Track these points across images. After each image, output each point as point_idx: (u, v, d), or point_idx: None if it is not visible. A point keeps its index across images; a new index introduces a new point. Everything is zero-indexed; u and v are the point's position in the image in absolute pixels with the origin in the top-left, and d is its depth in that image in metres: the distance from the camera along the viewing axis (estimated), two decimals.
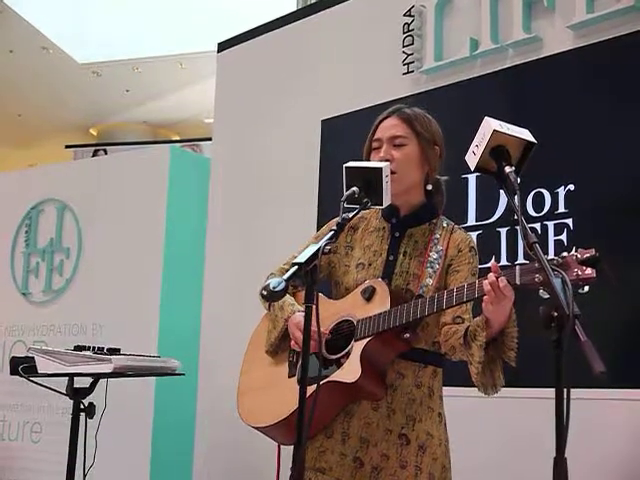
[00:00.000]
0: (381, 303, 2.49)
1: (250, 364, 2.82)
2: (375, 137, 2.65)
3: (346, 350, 2.49)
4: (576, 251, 2.02)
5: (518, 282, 2.13)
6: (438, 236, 2.61)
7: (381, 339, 2.45)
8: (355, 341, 2.49)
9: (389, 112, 2.69)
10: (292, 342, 2.61)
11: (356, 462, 2.49)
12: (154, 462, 5.42)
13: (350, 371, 2.43)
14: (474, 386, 2.42)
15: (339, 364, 2.48)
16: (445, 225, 2.65)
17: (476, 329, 2.33)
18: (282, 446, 2.72)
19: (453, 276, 2.54)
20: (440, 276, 2.55)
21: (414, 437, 2.50)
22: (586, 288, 1.96)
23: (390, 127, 2.64)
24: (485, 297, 2.21)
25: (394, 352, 2.50)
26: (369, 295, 2.53)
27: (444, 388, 2.66)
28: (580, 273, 1.97)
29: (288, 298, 2.65)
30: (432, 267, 2.55)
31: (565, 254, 2.03)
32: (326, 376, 2.44)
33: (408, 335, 2.47)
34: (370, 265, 2.62)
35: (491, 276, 2.19)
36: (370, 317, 2.47)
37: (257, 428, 2.64)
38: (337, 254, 2.71)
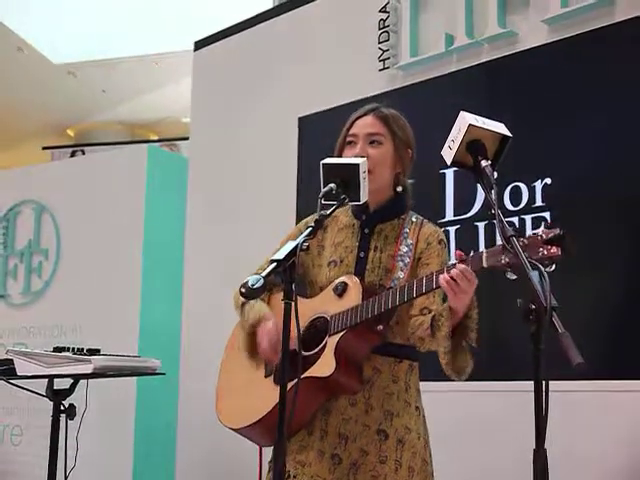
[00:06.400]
0: (353, 297, 2.51)
1: (227, 367, 2.82)
2: (351, 132, 2.66)
3: (320, 346, 2.50)
4: (541, 231, 2.04)
5: (485, 265, 2.17)
6: (407, 230, 2.63)
7: (354, 332, 2.47)
8: (329, 336, 2.50)
9: (367, 110, 2.70)
10: (260, 349, 2.60)
11: (334, 459, 2.49)
12: (136, 462, 5.40)
13: (325, 366, 2.45)
14: (451, 380, 2.44)
15: (314, 360, 2.49)
16: (414, 219, 2.68)
17: (440, 318, 2.37)
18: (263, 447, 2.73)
19: (423, 269, 2.55)
20: (411, 269, 2.57)
21: (393, 432, 2.51)
22: (553, 267, 1.98)
23: (367, 125, 2.65)
24: (447, 286, 2.24)
25: (368, 345, 2.51)
26: (341, 291, 2.54)
27: (423, 383, 2.67)
28: (545, 252, 2.00)
29: (256, 304, 2.63)
30: (402, 260, 2.57)
31: (530, 234, 2.06)
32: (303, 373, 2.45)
33: (381, 327, 2.49)
34: (342, 262, 2.63)
35: (459, 266, 2.22)
36: (343, 312, 2.49)
37: (235, 430, 2.65)
38: (310, 254, 2.71)
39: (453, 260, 2.31)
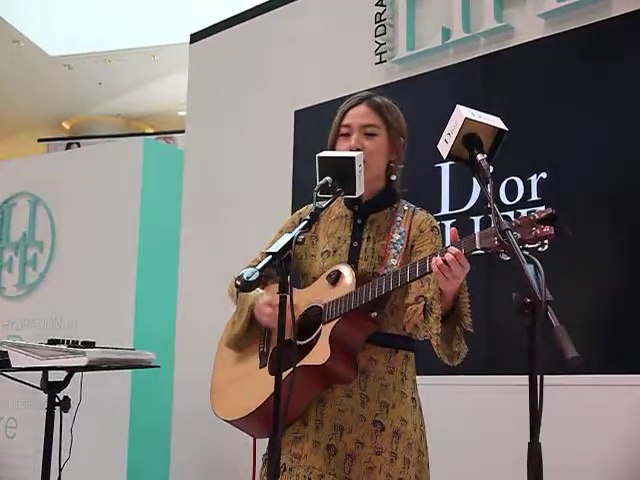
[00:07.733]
0: (347, 285, 2.50)
1: (221, 360, 2.82)
2: (344, 123, 2.64)
3: (315, 334, 2.50)
4: (534, 212, 2.05)
5: (478, 247, 2.16)
6: (400, 218, 2.63)
7: (349, 320, 2.46)
8: (323, 324, 2.50)
9: (359, 99, 2.68)
10: (265, 319, 2.61)
11: (329, 450, 2.48)
12: (131, 455, 5.40)
13: (319, 354, 2.44)
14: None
15: (309, 349, 2.48)
16: (406, 208, 2.67)
17: (432, 302, 2.36)
18: (258, 439, 2.73)
19: (416, 257, 2.53)
20: (404, 257, 2.56)
21: (388, 423, 2.51)
22: (546, 246, 1.98)
23: (361, 115, 2.63)
24: (439, 270, 2.22)
25: (363, 332, 2.51)
26: (334, 279, 2.54)
27: (421, 376, 2.67)
28: (538, 232, 1.99)
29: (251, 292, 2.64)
30: (395, 248, 2.57)
31: (523, 214, 2.06)
32: (298, 362, 2.44)
33: (376, 314, 2.48)
34: (335, 252, 2.63)
35: (452, 249, 2.21)
36: (337, 299, 2.48)
37: (231, 422, 2.64)
38: (303, 245, 2.69)
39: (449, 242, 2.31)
